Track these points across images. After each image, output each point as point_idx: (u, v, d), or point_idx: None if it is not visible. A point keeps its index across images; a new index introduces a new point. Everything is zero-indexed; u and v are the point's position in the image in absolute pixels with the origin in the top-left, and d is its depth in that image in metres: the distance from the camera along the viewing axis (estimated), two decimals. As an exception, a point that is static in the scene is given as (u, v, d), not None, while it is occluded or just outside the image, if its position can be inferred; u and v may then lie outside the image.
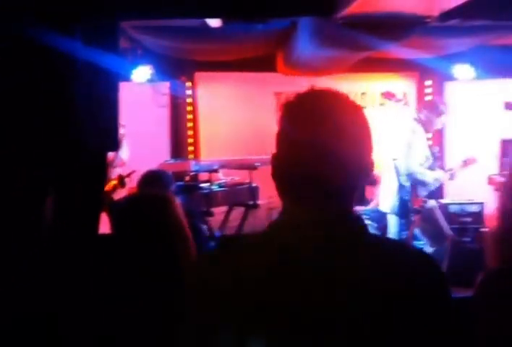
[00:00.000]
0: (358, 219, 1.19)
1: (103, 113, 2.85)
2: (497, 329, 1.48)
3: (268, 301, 1.08)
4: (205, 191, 5.21)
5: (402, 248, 1.26)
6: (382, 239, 1.30)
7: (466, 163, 5.30)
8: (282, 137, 1.18)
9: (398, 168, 4.95)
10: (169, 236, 2.10)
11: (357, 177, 1.19)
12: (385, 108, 6.77)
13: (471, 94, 6.82)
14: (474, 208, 5.64)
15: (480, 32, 5.14)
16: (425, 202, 5.17)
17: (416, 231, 5.24)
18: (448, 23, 4.67)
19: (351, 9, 4.17)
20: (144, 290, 1.98)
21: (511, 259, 1.60)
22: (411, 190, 4.98)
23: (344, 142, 1.15)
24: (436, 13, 4.37)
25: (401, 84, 7.12)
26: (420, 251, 1.29)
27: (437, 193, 6.39)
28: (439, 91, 7.11)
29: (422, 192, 5.10)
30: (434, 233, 5.22)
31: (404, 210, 5.00)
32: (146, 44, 5.49)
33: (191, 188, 5.11)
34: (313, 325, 1.06)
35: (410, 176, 4.90)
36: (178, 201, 2.34)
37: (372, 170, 1.24)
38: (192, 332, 1.14)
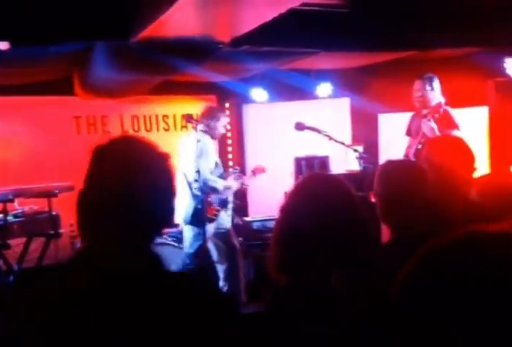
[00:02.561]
0: (151, 255, 1.29)
1: None
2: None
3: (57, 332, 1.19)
4: (-1, 222, 4.86)
5: (186, 282, 1.32)
6: (170, 275, 1.36)
7: (254, 172, 5.76)
8: (91, 177, 1.29)
9: (188, 179, 5.05)
10: None
11: (157, 217, 1.31)
12: (188, 131, 6.88)
13: (267, 116, 7.18)
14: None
15: (271, 57, 5.45)
16: (218, 210, 5.33)
17: (210, 245, 5.38)
18: (241, 48, 4.88)
19: (146, 34, 4.19)
20: None
21: (286, 263, 1.68)
22: (204, 199, 5.10)
23: (147, 185, 1.27)
24: (227, 39, 4.55)
25: (201, 107, 7.26)
26: (205, 287, 1.36)
27: (242, 211, 6.63)
28: (237, 113, 7.39)
29: (215, 201, 5.28)
30: (226, 250, 5.41)
31: (197, 219, 5.08)
32: None
33: (-18, 220, 4.73)
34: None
35: (202, 183, 5.00)
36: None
37: (173, 212, 1.38)
38: None
